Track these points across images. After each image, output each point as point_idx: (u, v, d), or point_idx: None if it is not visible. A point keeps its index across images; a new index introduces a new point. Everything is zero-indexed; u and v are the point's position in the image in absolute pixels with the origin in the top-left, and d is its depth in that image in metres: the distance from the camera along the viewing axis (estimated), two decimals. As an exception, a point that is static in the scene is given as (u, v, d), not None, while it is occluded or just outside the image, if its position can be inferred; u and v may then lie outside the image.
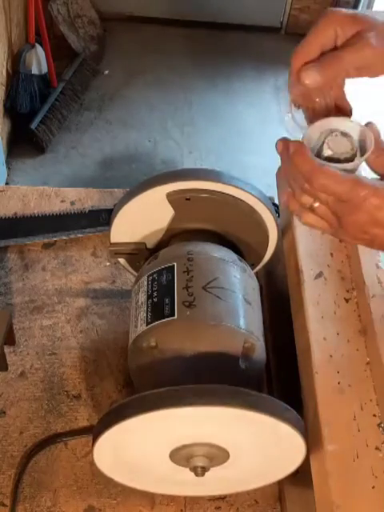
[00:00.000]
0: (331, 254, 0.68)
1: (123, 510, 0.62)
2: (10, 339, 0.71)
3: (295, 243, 0.68)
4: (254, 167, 2.12)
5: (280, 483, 0.63)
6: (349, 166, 0.49)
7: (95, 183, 1.97)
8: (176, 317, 0.55)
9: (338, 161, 0.50)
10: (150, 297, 0.59)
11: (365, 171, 0.52)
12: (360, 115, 0.54)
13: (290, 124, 0.56)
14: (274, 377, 0.69)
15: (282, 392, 0.67)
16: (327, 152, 0.50)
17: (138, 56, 2.63)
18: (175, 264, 0.59)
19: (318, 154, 0.50)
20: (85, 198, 0.91)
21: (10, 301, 0.78)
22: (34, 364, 0.72)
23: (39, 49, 2.18)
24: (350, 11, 0.52)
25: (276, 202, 0.79)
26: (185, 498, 0.63)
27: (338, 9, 0.52)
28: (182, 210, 0.66)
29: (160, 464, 0.55)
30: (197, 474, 0.53)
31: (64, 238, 0.85)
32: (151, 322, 0.56)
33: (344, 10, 0.52)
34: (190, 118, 2.41)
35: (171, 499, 0.63)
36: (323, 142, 0.51)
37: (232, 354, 0.56)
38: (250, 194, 0.64)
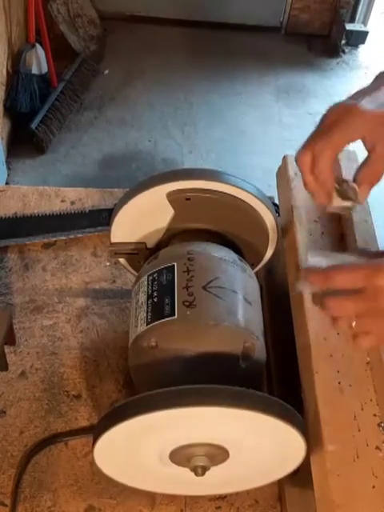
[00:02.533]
0: (331, 254, 0.68)
1: (123, 509, 0.62)
2: (11, 339, 0.71)
3: (295, 243, 0.68)
4: (254, 167, 2.12)
5: (280, 483, 0.63)
6: None
7: (95, 183, 1.97)
8: (176, 317, 0.55)
9: None
10: (150, 297, 0.59)
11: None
12: None
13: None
14: (274, 376, 0.69)
15: (282, 392, 0.67)
16: None
17: (138, 56, 2.64)
18: (175, 264, 0.59)
19: None
20: (85, 198, 0.91)
21: (10, 301, 0.78)
22: (34, 364, 0.72)
23: (39, 48, 2.18)
24: (379, 110, 0.53)
25: (276, 201, 0.80)
26: (185, 497, 0.63)
27: (365, 107, 0.53)
28: (182, 210, 0.66)
29: (160, 464, 0.55)
30: (197, 474, 0.53)
31: (64, 238, 0.85)
32: (151, 322, 0.56)
33: (374, 110, 0.53)
34: (191, 118, 2.41)
35: (171, 499, 0.63)
36: None
37: (232, 354, 0.56)
38: (251, 193, 0.64)
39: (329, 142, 0.54)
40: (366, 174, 0.55)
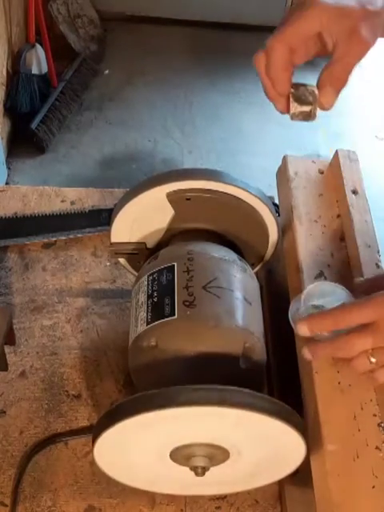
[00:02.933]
0: (331, 254, 0.68)
1: (123, 509, 0.62)
2: (10, 339, 0.71)
3: (295, 243, 0.68)
4: (254, 167, 2.12)
5: (280, 483, 0.63)
6: None
7: (95, 183, 1.97)
8: (176, 316, 0.55)
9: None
10: (150, 297, 0.59)
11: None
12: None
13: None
14: (274, 377, 0.69)
15: (282, 392, 0.67)
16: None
17: (138, 56, 2.63)
18: (175, 264, 0.59)
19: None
20: (85, 198, 0.91)
21: (10, 301, 0.78)
22: (34, 364, 0.72)
23: (39, 48, 2.18)
24: (338, 4, 0.48)
25: (276, 201, 0.80)
26: (185, 497, 0.63)
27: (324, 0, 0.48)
28: (182, 210, 0.66)
29: (160, 463, 0.55)
30: (197, 474, 0.53)
31: (64, 238, 0.85)
32: (151, 322, 0.56)
33: (331, 2, 0.48)
34: (191, 118, 2.41)
35: (171, 499, 0.63)
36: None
37: (232, 354, 0.56)
38: (251, 193, 0.64)
39: (279, 35, 0.49)
40: (328, 76, 0.51)
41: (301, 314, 0.57)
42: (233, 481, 0.60)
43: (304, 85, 0.53)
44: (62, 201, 0.91)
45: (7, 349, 0.71)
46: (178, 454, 0.53)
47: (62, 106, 2.25)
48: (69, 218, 0.86)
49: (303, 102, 0.53)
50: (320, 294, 0.60)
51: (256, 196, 0.64)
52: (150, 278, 0.60)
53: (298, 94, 0.53)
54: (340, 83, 0.51)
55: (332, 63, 0.50)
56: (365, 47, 0.49)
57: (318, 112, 0.54)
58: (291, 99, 0.53)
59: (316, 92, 0.53)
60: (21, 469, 0.64)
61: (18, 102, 2.10)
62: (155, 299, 0.58)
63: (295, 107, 0.53)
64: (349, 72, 0.50)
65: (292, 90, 0.53)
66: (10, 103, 2.10)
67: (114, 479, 0.58)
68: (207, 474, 0.54)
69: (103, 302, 0.79)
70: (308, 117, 0.54)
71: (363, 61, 0.51)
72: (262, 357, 0.59)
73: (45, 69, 2.22)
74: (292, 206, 0.72)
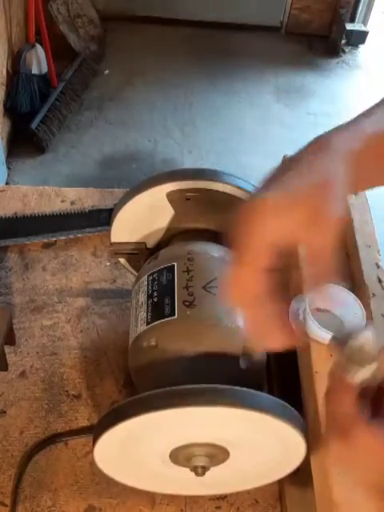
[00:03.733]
0: (331, 254, 0.68)
1: (123, 509, 0.62)
2: (10, 339, 0.71)
3: (295, 243, 0.68)
4: (254, 167, 2.12)
5: (280, 482, 0.63)
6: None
7: (95, 183, 1.97)
8: (176, 316, 0.55)
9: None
10: (150, 296, 0.59)
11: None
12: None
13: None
14: (274, 377, 0.69)
15: (282, 392, 0.67)
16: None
17: (138, 56, 2.64)
18: (175, 264, 0.59)
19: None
20: (85, 198, 0.91)
21: (10, 301, 0.78)
22: (34, 364, 0.73)
23: (39, 48, 2.18)
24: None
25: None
26: (185, 497, 0.63)
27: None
28: (182, 210, 0.66)
29: (160, 464, 0.55)
30: (197, 474, 0.53)
31: (64, 237, 0.85)
32: (151, 322, 0.56)
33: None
34: (191, 118, 2.41)
35: (171, 499, 0.63)
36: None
37: (232, 354, 0.56)
38: (251, 193, 0.64)
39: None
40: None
41: (303, 315, 0.57)
42: (233, 480, 0.60)
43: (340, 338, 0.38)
44: (62, 201, 0.91)
45: (7, 349, 0.71)
46: (178, 454, 0.53)
47: (61, 106, 2.25)
48: (69, 217, 0.87)
49: (360, 360, 0.37)
50: (326, 297, 0.59)
51: (256, 196, 0.64)
52: (150, 277, 0.60)
53: (346, 351, 0.37)
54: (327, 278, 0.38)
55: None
56: None
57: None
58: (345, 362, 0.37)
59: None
60: (21, 469, 0.64)
61: (18, 102, 2.10)
62: (155, 299, 0.58)
63: (356, 371, 0.36)
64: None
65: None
66: (10, 103, 2.10)
67: (113, 479, 0.58)
68: (207, 473, 0.54)
69: (103, 301, 0.79)
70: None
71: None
72: (262, 357, 0.59)
73: (45, 69, 2.22)
74: (292, 206, 0.72)
